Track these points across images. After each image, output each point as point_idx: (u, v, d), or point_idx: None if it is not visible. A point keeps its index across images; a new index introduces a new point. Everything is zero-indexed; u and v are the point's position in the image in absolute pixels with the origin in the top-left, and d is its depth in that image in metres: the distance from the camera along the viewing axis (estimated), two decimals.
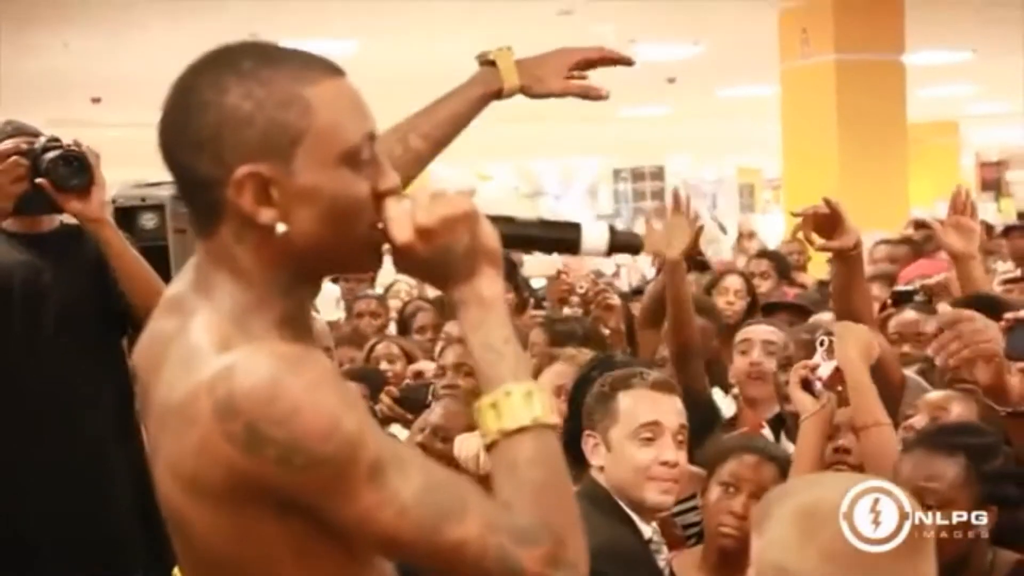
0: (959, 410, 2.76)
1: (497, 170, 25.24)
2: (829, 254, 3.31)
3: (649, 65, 13.34)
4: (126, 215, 3.21)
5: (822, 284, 7.07)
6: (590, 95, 2.01)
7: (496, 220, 1.43)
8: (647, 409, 2.55)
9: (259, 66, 1.35)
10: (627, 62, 2.06)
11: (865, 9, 10.14)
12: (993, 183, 23.43)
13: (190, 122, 1.34)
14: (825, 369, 2.73)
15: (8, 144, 2.94)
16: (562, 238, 1.52)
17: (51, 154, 2.92)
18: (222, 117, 1.33)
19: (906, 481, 2.16)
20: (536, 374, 3.84)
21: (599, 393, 2.64)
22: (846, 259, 3.05)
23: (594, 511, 2.37)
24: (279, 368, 1.28)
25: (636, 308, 5.05)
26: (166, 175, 1.42)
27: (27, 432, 3.02)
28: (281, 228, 1.34)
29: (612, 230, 1.52)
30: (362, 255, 1.42)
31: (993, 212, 16.63)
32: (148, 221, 3.25)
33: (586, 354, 3.88)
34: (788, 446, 3.16)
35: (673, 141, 22.55)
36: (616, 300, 5.16)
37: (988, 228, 11.02)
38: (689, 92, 15.78)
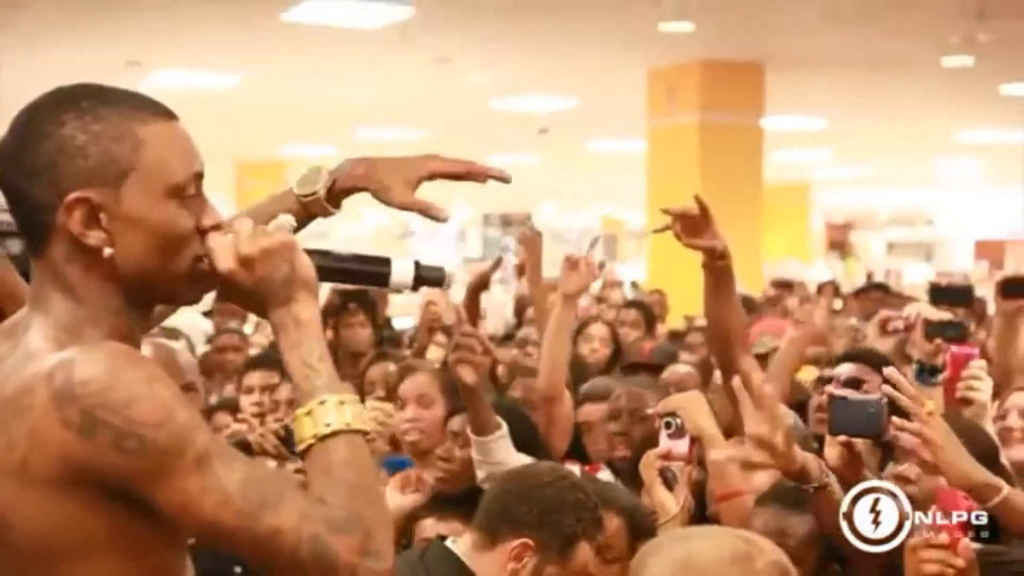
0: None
1: (368, 210, 25.17)
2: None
3: (522, 115, 13.52)
4: None
5: (673, 335, 7.19)
6: (429, 214, 1.91)
7: (312, 253, 1.50)
8: (583, 570, 2.45)
9: (95, 104, 1.41)
10: (501, 178, 1.94)
11: (729, 73, 10.45)
12: (839, 244, 24.23)
13: (27, 151, 1.40)
14: (680, 447, 2.63)
15: None
16: (373, 271, 1.60)
17: None
18: (59, 147, 1.38)
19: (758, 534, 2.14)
20: (396, 384, 3.76)
21: (569, 530, 2.41)
22: (715, 269, 2.75)
23: None
24: (118, 361, 1.33)
25: (501, 354, 5.03)
26: None
27: None
28: (108, 251, 1.39)
29: (417, 265, 1.60)
30: (185, 284, 1.47)
31: (841, 272, 17.14)
32: (14, 247, 3.11)
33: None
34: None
35: (542, 190, 22.78)
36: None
37: (836, 288, 11.40)
38: (559, 143, 15.98)
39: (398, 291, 1.63)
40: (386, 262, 1.60)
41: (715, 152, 10.31)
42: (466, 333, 3.23)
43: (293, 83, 11.46)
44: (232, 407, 4.17)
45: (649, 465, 2.72)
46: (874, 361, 3.23)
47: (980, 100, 12.66)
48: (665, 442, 2.66)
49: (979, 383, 2.78)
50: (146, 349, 2.78)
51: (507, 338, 6.19)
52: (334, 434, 1.39)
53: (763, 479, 2.73)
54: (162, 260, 1.43)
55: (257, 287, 1.45)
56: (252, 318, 7.88)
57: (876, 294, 7.59)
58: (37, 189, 1.39)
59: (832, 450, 2.17)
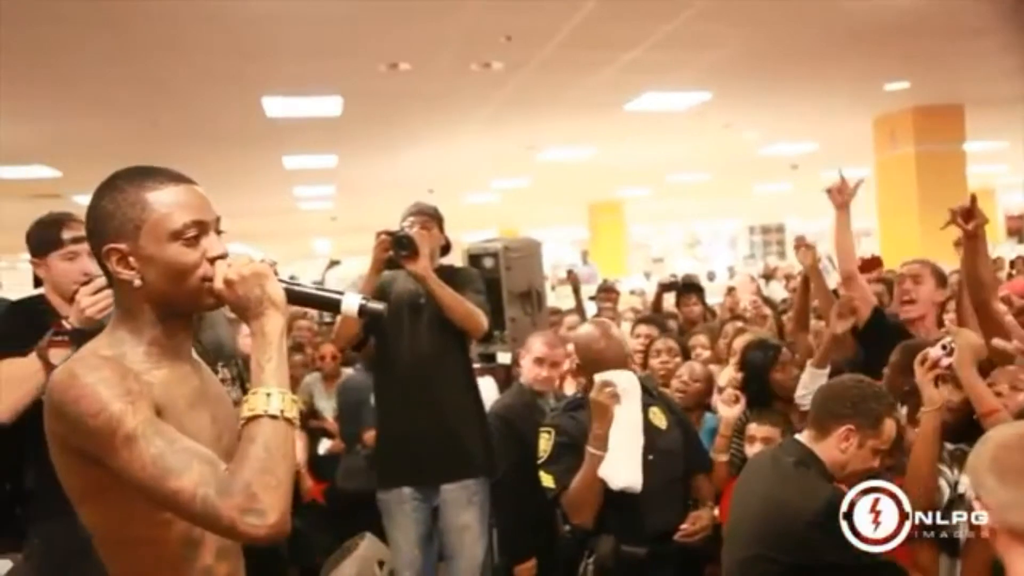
0: None
1: (669, 228, 25.10)
2: None
3: (779, 158, 13.15)
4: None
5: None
6: None
7: (283, 281, 1.41)
8: (892, 437, 2.37)
9: (123, 182, 1.39)
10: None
11: (936, 114, 9.72)
12: (1016, 231, 22.08)
13: (87, 218, 1.41)
14: (945, 361, 2.50)
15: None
16: (328, 301, 1.48)
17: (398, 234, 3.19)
18: (98, 215, 1.39)
19: None
20: (733, 338, 3.98)
21: (876, 412, 2.32)
22: (973, 239, 3.05)
23: (816, 476, 2.27)
24: (81, 368, 1.30)
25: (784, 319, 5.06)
26: None
27: None
28: (137, 283, 1.38)
29: (362, 302, 1.46)
30: (197, 299, 1.41)
31: (1021, 250, 15.52)
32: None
33: (758, 332, 4.12)
34: None
35: (790, 208, 21.90)
36: (767, 311, 5.36)
37: None
38: (805, 174, 15.39)
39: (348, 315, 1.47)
40: (339, 295, 1.47)
41: (929, 173, 9.56)
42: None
43: (627, 149, 11.63)
44: None
45: (928, 367, 2.52)
46: None
47: None
48: (937, 353, 2.51)
49: None
50: (595, 329, 2.91)
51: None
52: (257, 417, 1.30)
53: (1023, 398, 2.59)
54: (174, 284, 1.38)
55: (237, 302, 1.38)
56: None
57: None
58: (93, 243, 1.40)
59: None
